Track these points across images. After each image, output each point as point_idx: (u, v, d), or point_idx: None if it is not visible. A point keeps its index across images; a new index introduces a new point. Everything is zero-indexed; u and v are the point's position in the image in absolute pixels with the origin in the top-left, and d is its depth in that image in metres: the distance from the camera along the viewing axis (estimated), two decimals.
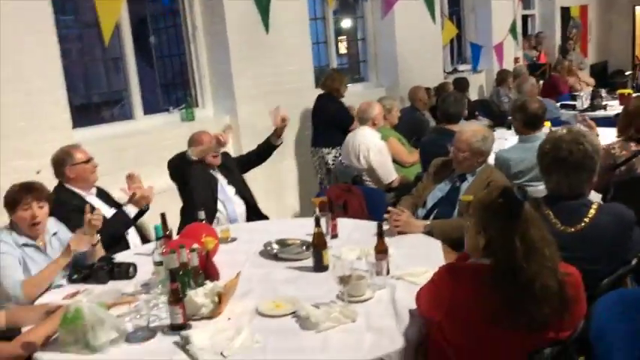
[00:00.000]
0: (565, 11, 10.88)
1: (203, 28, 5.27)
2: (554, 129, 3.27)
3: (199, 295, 2.19)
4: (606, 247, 2.32)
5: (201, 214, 3.12)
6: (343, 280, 2.23)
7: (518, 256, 1.81)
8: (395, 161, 4.97)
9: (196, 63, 5.34)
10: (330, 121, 5.64)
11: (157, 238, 2.71)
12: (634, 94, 6.93)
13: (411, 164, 5.08)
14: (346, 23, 7.82)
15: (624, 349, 1.89)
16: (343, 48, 7.96)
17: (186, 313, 2.11)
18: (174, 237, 3.01)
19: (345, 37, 7.89)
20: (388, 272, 2.49)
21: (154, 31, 7.67)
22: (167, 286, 2.20)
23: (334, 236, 3.05)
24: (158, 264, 2.41)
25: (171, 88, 7.64)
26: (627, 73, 10.85)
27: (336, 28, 7.26)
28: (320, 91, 5.84)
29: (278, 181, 5.73)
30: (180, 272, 2.30)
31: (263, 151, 4.36)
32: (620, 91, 7.14)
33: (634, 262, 2.44)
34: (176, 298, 2.08)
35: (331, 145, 5.60)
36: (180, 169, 3.74)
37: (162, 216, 2.93)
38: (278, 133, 4.24)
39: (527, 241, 1.83)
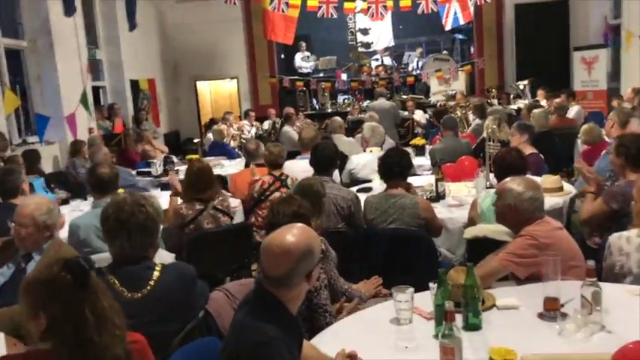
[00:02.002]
0: (134, 84, 11.40)
1: None
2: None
3: None
4: (174, 306, 2.40)
5: None
6: None
7: (90, 330, 1.70)
8: None
9: None
10: None
11: None
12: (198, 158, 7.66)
13: None
14: None
15: None
16: None
17: None
18: None
19: None
20: None
21: None
22: None
23: None
24: None
25: None
26: (196, 141, 11.97)
27: None
28: None
29: None
30: None
31: None
32: (188, 156, 7.78)
33: (201, 314, 2.60)
34: None
35: None
36: None
37: None
38: None
39: (98, 311, 1.73)
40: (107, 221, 2.45)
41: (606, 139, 5.66)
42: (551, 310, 2.35)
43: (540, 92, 10.71)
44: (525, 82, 11.77)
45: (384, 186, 4.71)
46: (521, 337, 2.22)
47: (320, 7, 8.34)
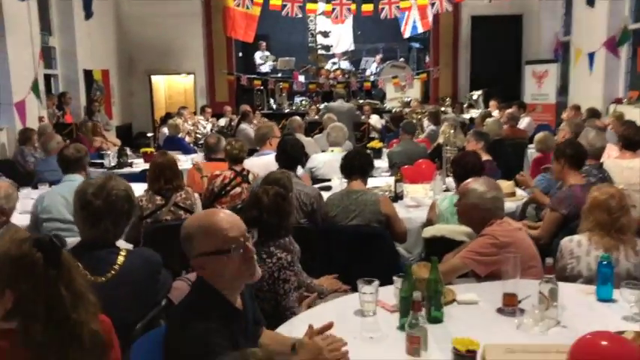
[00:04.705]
0: (88, 74, 11.11)
1: None
2: None
3: None
4: (137, 292, 2.37)
5: None
6: None
7: (66, 307, 1.66)
8: None
9: None
10: None
11: None
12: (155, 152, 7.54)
13: None
14: None
15: None
16: None
17: None
18: None
19: None
20: None
21: None
22: None
23: None
24: None
25: None
26: (149, 135, 11.75)
27: None
28: None
29: None
30: None
31: None
32: (143, 149, 7.64)
33: (164, 302, 2.57)
34: None
35: None
36: None
37: None
38: None
39: (73, 288, 1.70)
40: (90, 205, 2.37)
41: None
42: (510, 305, 2.43)
43: (493, 103, 11.00)
44: (479, 92, 12.08)
45: (344, 185, 4.79)
46: (481, 330, 2.29)
47: (285, 6, 8.33)
